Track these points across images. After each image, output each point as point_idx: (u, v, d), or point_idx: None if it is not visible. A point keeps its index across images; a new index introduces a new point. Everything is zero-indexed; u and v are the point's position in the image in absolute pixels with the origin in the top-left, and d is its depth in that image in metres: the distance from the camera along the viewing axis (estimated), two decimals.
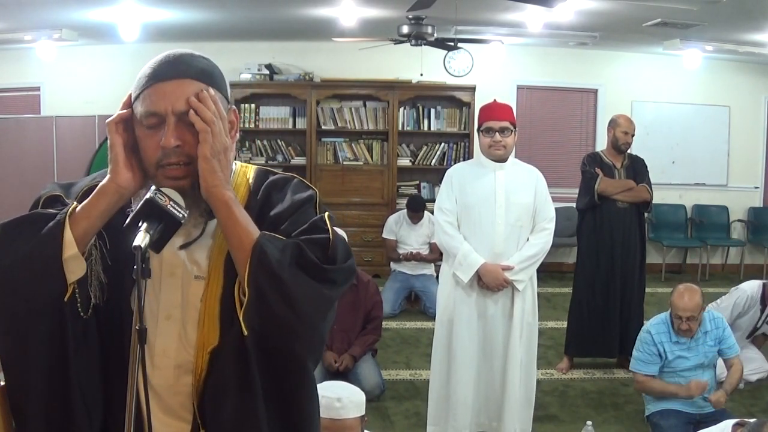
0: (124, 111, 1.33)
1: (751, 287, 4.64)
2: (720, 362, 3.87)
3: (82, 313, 1.32)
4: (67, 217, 1.29)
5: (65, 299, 1.30)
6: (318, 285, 1.32)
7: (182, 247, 1.36)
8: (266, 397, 1.38)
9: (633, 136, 4.77)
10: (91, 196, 1.32)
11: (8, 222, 1.32)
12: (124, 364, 1.36)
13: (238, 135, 1.45)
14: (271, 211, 1.42)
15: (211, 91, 1.34)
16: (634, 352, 3.85)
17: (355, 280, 4.48)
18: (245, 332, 1.29)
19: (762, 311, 4.61)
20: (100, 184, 1.33)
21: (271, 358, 1.35)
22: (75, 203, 1.32)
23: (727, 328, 3.79)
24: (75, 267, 1.29)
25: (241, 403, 1.37)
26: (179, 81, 1.31)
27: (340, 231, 5.11)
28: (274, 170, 1.52)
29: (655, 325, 3.80)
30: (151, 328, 1.34)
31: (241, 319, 1.29)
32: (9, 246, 1.29)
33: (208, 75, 1.35)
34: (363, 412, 2.53)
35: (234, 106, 1.46)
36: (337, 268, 1.36)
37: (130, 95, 1.35)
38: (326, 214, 1.43)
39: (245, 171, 1.50)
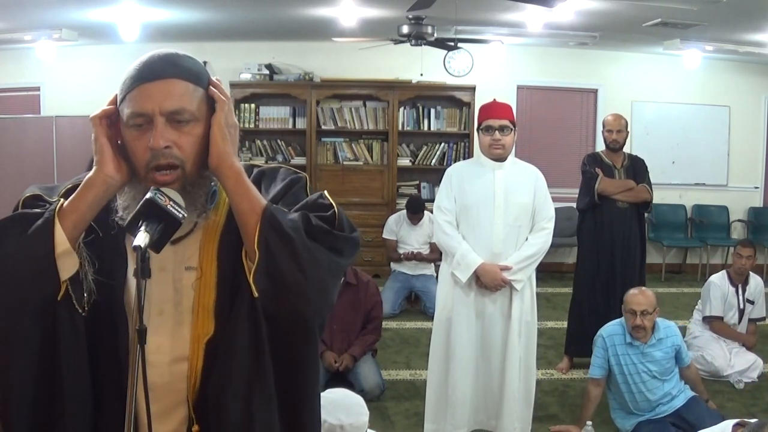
0: (109, 107, 1.32)
1: (716, 276, 4.93)
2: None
3: (79, 310, 1.30)
4: (56, 213, 1.27)
5: (58, 298, 1.28)
6: (326, 251, 1.33)
7: (173, 242, 1.35)
8: (264, 391, 1.37)
9: (621, 132, 4.71)
10: (78, 189, 1.31)
11: None
12: (119, 366, 1.35)
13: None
14: (265, 195, 1.42)
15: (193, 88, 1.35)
16: (592, 358, 3.87)
17: (355, 280, 4.48)
18: (255, 294, 1.29)
19: (737, 293, 4.82)
20: (87, 176, 1.31)
21: (277, 332, 1.34)
22: (61, 200, 1.31)
23: (680, 336, 3.80)
24: (68, 264, 1.28)
25: (240, 400, 1.36)
26: (165, 81, 1.30)
27: None
28: (259, 164, 1.54)
29: (607, 328, 3.82)
30: None
31: (251, 281, 1.29)
32: None
33: (194, 74, 1.35)
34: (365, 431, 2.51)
35: None
36: (344, 236, 1.37)
37: (116, 95, 1.34)
38: (324, 191, 1.44)
39: None
